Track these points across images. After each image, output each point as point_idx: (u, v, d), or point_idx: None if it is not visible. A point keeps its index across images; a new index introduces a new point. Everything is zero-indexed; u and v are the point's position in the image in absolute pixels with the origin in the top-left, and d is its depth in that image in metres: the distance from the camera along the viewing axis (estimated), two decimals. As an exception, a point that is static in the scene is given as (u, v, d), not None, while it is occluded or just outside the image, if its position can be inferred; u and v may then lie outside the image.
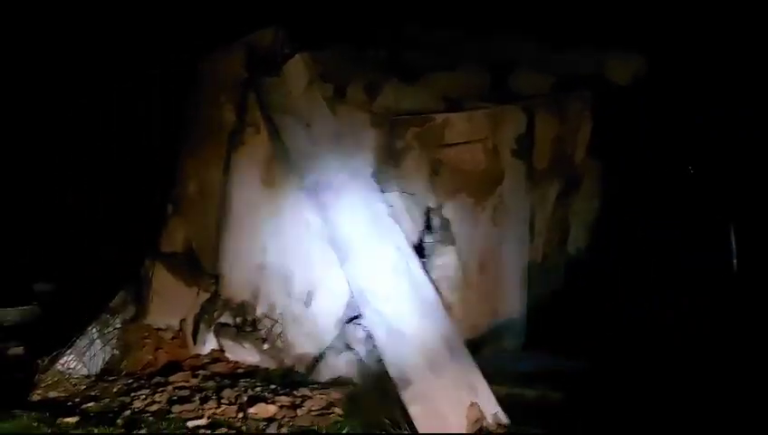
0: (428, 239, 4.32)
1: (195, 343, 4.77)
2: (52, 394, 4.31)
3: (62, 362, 4.50)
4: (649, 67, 5.00)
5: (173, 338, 4.85)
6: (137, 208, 5.74)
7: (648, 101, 4.98)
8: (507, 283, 4.62)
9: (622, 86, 5.03)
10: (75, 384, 4.42)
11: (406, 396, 3.68)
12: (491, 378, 3.81)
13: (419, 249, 4.30)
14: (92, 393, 4.30)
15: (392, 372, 3.76)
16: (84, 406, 4.09)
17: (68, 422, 3.81)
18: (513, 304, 4.65)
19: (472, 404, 3.67)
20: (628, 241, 4.92)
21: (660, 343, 4.29)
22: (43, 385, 4.37)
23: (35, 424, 3.75)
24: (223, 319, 4.73)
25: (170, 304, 4.81)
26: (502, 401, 3.74)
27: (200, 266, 4.91)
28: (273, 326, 4.64)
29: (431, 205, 4.31)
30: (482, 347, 4.39)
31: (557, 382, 4.06)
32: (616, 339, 4.39)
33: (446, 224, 4.32)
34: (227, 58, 4.68)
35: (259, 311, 4.69)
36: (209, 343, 4.73)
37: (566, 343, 4.41)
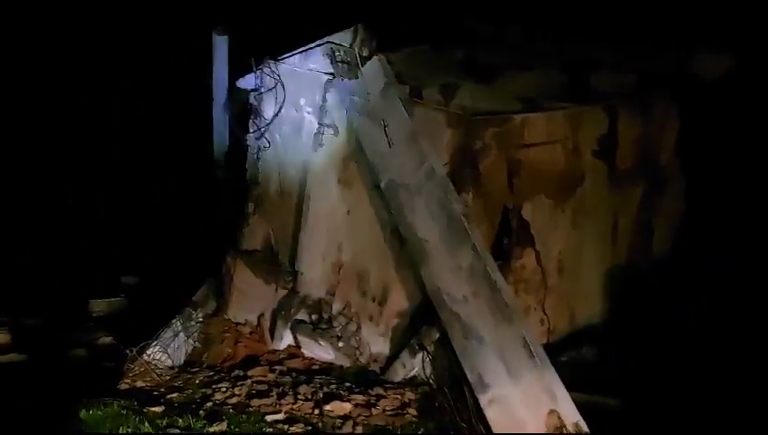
0: (506, 241, 4.25)
1: (272, 339, 4.88)
2: (139, 384, 4.51)
3: (148, 353, 4.70)
4: (739, 65, 4.74)
5: (251, 333, 4.98)
6: (219, 207, 5.93)
7: (737, 100, 4.72)
8: (587, 287, 4.50)
9: (710, 85, 4.79)
10: (160, 375, 4.60)
11: (483, 400, 3.64)
12: (569, 385, 3.70)
13: (497, 251, 4.24)
14: (176, 384, 4.47)
15: (469, 374, 3.72)
16: (169, 396, 4.25)
17: (154, 411, 3.96)
18: (593, 309, 4.51)
19: (551, 411, 3.57)
20: (716, 245, 4.68)
21: (749, 353, 4.07)
22: (130, 375, 4.58)
23: (124, 412, 3.91)
24: (299, 316, 4.82)
25: (250, 299, 4.94)
26: (582, 409, 3.63)
27: (279, 264, 5.01)
28: (347, 324, 4.69)
29: (509, 206, 4.23)
30: (560, 353, 4.29)
31: (640, 391, 3.92)
32: (704, 348, 4.20)
33: (524, 225, 4.24)
34: (307, 60, 4.75)
35: (335, 309, 4.75)
36: (286, 339, 4.83)
37: (650, 351, 4.24)
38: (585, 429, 3.55)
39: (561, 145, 4.34)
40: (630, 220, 4.67)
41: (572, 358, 4.31)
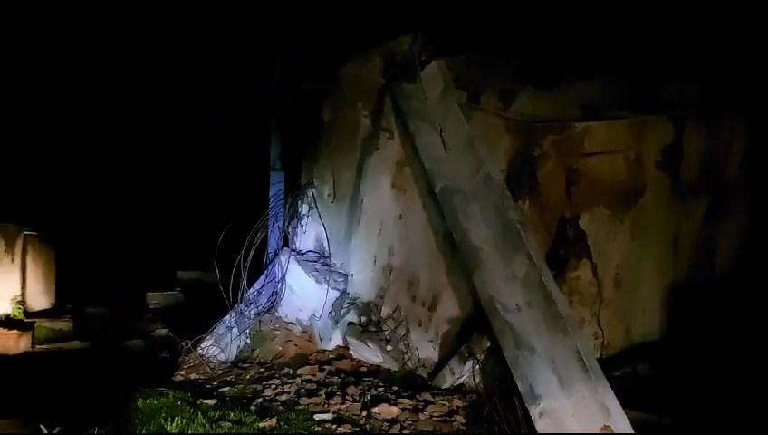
0: (562, 251, 4.17)
1: (321, 339, 4.92)
2: (193, 376, 4.63)
3: (202, 346, 4.82)
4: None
5: (301, 332, 5.03)
6: (274, 206, 6.02)
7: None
8: (645, 302, 4.37)
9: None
10: (213, 368, 4.71)
11: (534, 412, 3.57)
12: (623, 401, 3.60)
13: (552, 261, 4.16)
14: (228, 378, 4.56)
15: (520, 385, 3.66)
16: (221, 390, 4.34)
17: (207, 404, 4.04)
18: (650, 325, 4.39)
19: (604, 427, 3.48)
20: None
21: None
22: (185, 367, 4.70)
23: (179, 403, 4.00)
24: (349, 317, 4.84)
25: (301, 299, 5.00)
26: (636, 427, 3.52)
27: (330, 265, 5.06)
28: (396, 328, 4.69)
29: (567, 215, 4.15)
30: (615, 368, 4.18)
31: (697, 412, 3.78)
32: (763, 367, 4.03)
33: (581, 236, 4.15)
34: (366, 64, 4.79)
35: (384, 312, 4.76)
36: (335, 340, 4.86)
37: (708, 370, 4.09)
38: (639, 447, 3.46)
39: (622, 155, 4.22)
40: (693, 235, 4.53)
41: (627, 374, 4.19)
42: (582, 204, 4.16)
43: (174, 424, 3.69)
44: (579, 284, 4.21)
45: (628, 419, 3.49)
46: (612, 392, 3.53)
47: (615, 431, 3.40)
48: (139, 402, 3.93)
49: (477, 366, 4.23)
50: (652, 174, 4.28)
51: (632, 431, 3.44)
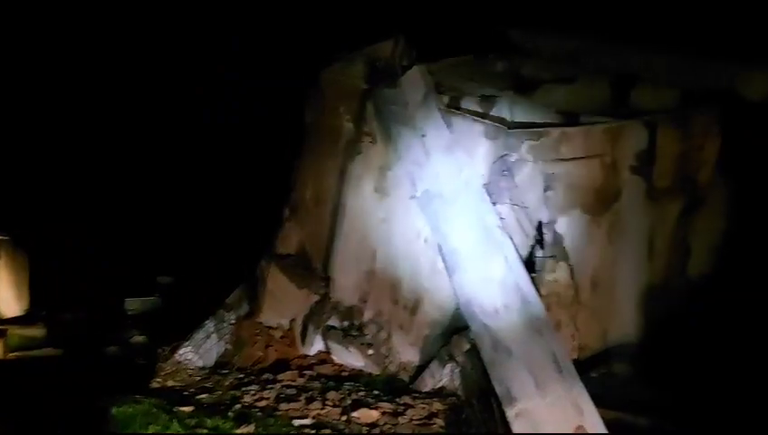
0: (539, 254, 4.22)
1: (303, 344, 4.92)
2: (170, 383, 4.59)
3: (180, 352, 4.78)
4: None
5: (282, 337, 5.02)
6: (255, 211, 6.01)
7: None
8: (621, 303, 4.42)
9: (753, 103, 4.70)
10: (191, 375, 4.68)
11: (510, 413, 3.60)
12: (598, 402, 3.65)
13: (530, 264, 4.21)
14: (206, 385, 4.54)
15: (497, 387, 3.69)
16: (199, 397, 4.32)
17: (183, 411, 4.03)
18: (626, 326, 4.44)
19: (578, 427, 3.53)
20: (756, 266, 4.57)
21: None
22: (162, 374, 4.66)
23: (154, 410, 3.98)
24: (331, 322, 4.85)
25: (282, 304, 4.99)
26: (610, 426, 3.57)
27: (312, 269, 5.06)
28: (378, 332, 4.70)
29: (544, 219, 4.20)
30: (590, 369, 4.23)
31: (671, 412, 3.84)
32: (735, 370, 4.10)
33: (558, 239, 4.21)
34: (348, 69, 4.81)
35: (366, 316, 4.77)
36: (316, 345, 4.87)
37: (683, 371, 4.16)
38: (613, 447, 3.51)
39: (598, 160, 4.28)
40: (667, 238, 4.59)
41: (603, 374, 4.24)
42: (559, 208, 4.21)
43: (150, 432, 3.66)
44: (556, 286, 4.25)
45: (603, 418, 3.55)
46: (586, 393, 3.59)
47: (588, 431, 3.45)
48: (115, 410, 3.91)
49: (457, 369, 4.25)
50: (627, 178, 4.35)
51: (605, 430, 3.49)
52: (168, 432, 3.72)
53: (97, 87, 7.70)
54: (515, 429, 3.58)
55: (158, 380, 4.59)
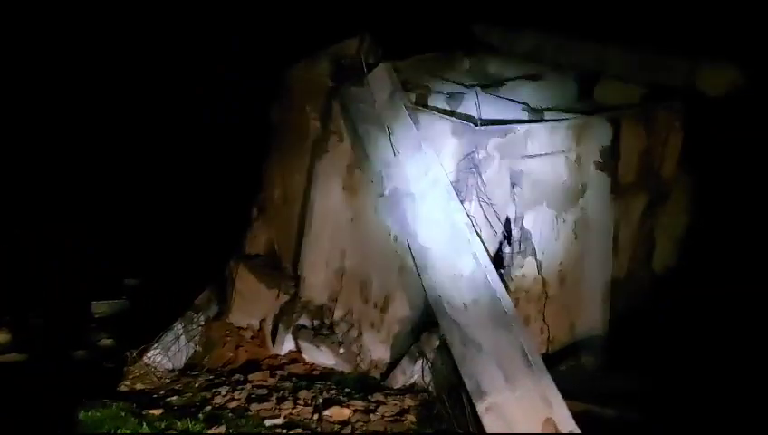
0: (507, 250, 4.26)
1: (273, 344, 4.90)
2: (139, 386, 4.53)
3: (148, 355, 4.71)
4: (746, 78, 4.76)
5: (253, 337, 5.00)
6: (223, 210, 5.97)
7: (743, 114, 4.73)
8: (588, 297, 4.50)
9: (715, 98, 4.82)
10: (160, 377, 4.62)
11: (480, 407, 3.65)
12: (567, 394, 3.72)
13: (498, 260, 4.25)
14: (176, 387, 4.49)
15: (466, 382, 3.73)
16: (168, 399, 4.27)
17: (153, 414, 3.98)
18: (593, 319, 4.52)
19: (547, 419, 3.59)
20: (718, 259, 4.69)
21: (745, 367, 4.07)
22: (130, 377, 4.59)
23: (123, 414, 3.93)
24: (301, 321, 4.83)
25: (252, 304, 4.96)
26: (578, 418, 3.64)
27: (282, 269, 5.04)
28: (349, 330, 4.70)
29: (511, 215, 4.24)
30: (559, 362, 4.29)
31: (637, 403, 3.93)
32: (698, 360, 4.21)
33: (526, 235, 4.25)
34: (313, 67, 4.79)
35: (337, 315, 4.76)
36: (287, 344, 4.84)
37: (648, 363, 4.25)
38: (579, 437, 3.57)
39: (563, 156, 4.34)
40: (632, 232, 4.69)
41: (571, 367, 4.32)
42: (526, 204, 4.26)
43: (118, 435, 3.62)
44: (524, 281, 4.30)
45: (571, 410, 3.61)
46: (555, 386, 3.64)
47: (557, 423, 3.51)
48: (82, 415, 3.84)
49: (428, 365, 4.28)
50: (592, 174, 4.42)
51: (573, 423, 3.55)
52: (136, 435, 3.69)
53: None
54: (485, 422, 3.63)
55: (127, 383, 4.52)
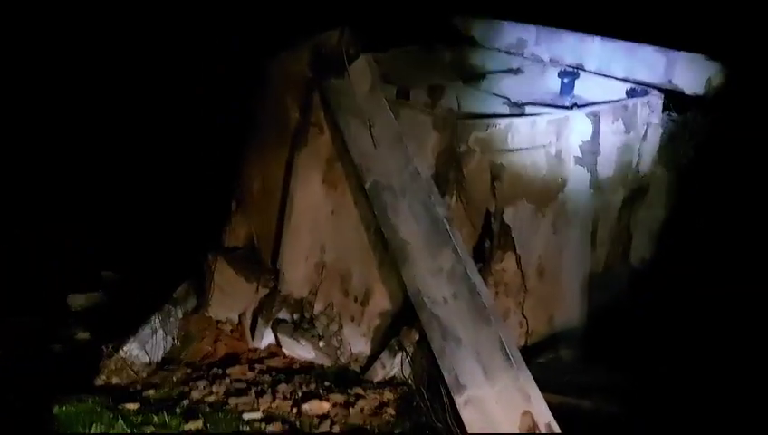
0: (487, 244, 4.28)
1: (252, 338, 4.86)
2: (115, 380, 4.47)
3: (125, 349, 4.64)
4: (724, 75, 4.82)
5: (232, 331, 4.97)
6: (202, 203, 5.91)
7: (721, 110, 4.79)
8: (566, 291, 4.54)
9: (692, 94, 4.87)
10: (137, 371, 4.56)
11: (459, 400, 3.66)
12: (545, 387, 3.74)
13: (478, 254, 4.26)
14: (153, 381, 4.44)
15: (446, 375, 3.74)
16: (145, 393, 4.24)
17: (129, 408, 3.94)
18: (571, 313, 4.56)
19: (525, 412, 3.61)
20: (694, 254, 4.75)
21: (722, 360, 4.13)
22: (106, 371, 4.52)
23: (98, 408, 3.88)
24: (281, 315, 4.81)
25: (230, 297, 4.92)
26: (555, 410, 3.67)
27: (261, 262, 5.00)
28: (329, 324, 4.69)
29: (491, 209, 4.26)
30: (538, 355, 4.33)
31: (613, 395, 3.97)
32: (675, 354, 4.27)
33: (505, 229, 4.26)
34: (293, 59, 4.74)
35: (316, 308, 4.75)
36: (266, 338, 4.82)
37: (625, 356, 4.29)
38: (557, 429, 3.60)
39: (544, 151, 4.35)
40: (610, 226, 4.73)
41: (550, 360, 4.35)
42: (506, 198, 4.27)
43: (93, 431, 3.58)
44: (504, 275, 4.32)
45: (549, 403, 3.64)
46: (533, 379, 3.67)
47: (535, 416, 3.54)
48: (56, 410, 3.78)
49: (407, 359, 4.28)
50: (572, 168, 4.44)
51: (551, 416, 3.58)
52: (112, 431, 3.64)
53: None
54: (464, 415, 3.64)
55: (103, 377, 4.46)
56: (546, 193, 4.38)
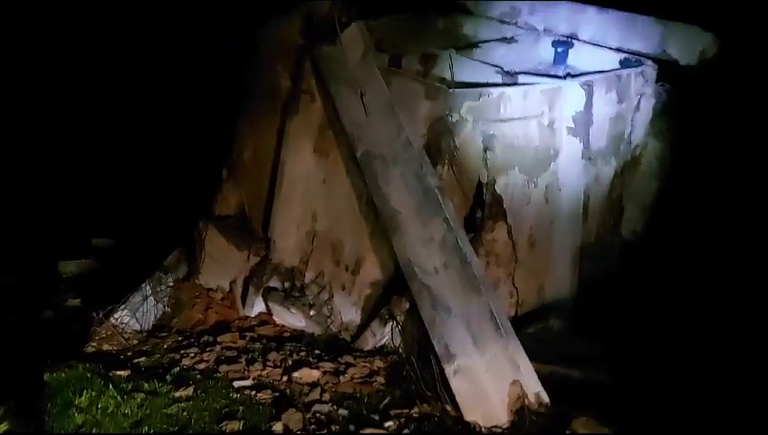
0: (478, 214, 4.27)
1: (243, 306, 4.87)
2: (106, 347, 4.48)
3: (116, 316, 4.66)
4: (717, 46, 4.78)
5: (222, 299, 4.97)
6: (193, 171, 5.87)
7: (715, 82, 4.77)
8: (557, 261, 4.55)
9: (687, 65, 4.84)
10: (128, 339, 4.58)
11: (448, 370, 3.70)
12: (535, 357, 3.78)
13: (469, 224, 4.26)
14: (144, 348, 4.45)
15: (436, 345, 3.78)
16: (136, 360, 4.25)
17: (120, 375, 3.96)
18: (562, 283, 4.58)
19: (514, 382, 3.66)
20: (686, 226, 4.77)
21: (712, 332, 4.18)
22: (97, 338, 4.54)
23: (89, 375, 3.89)
24: (272, 283, 4.81)
25: (221, 265, 4.92)
26: (544, 380, 3.72)
27: (252, 230, 4.99)
28: (320, 293, 4.70)
29: (483, 180, 4.24)
30: (527, 325, 4.36)
31: (602, 365, 4.01)
32: (665, 325, 4.31)
33: (497, 199, 4.26)
34: (285, 26, 4.66)
35: (307, 277, 4.75)
36: (257, 306, 4.83)
37: (615, 326, 4.34)
38: (546, 399, 3.65)
39: (536, 121, 4.33)
40: (601, 198, 4.74)
41: (539, 330, 4.38)
42: (498, 168, 4.25)
43: (83, 397, 3.60)
44: (495, 245, 4.33)
45: (538, 372, 3.68)
46: (522, 349, 3.70)
47: (524, 385, 3.58)
48: (47, 376, 3.80)
49: (397, 328, 4.31)
50: (564, 139, 4.42)
51: (539, 385, 3.63)
52: (103, 398, 3.66)
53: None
54: (454, 384, 3.69)
55: (93, 344, 4.47)
56: (538, 163, 4.37)
